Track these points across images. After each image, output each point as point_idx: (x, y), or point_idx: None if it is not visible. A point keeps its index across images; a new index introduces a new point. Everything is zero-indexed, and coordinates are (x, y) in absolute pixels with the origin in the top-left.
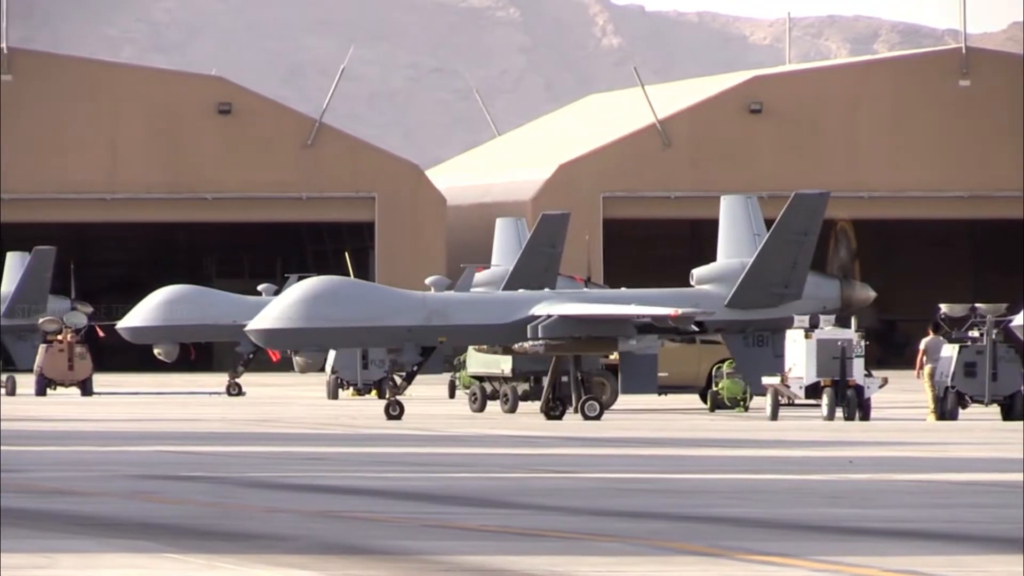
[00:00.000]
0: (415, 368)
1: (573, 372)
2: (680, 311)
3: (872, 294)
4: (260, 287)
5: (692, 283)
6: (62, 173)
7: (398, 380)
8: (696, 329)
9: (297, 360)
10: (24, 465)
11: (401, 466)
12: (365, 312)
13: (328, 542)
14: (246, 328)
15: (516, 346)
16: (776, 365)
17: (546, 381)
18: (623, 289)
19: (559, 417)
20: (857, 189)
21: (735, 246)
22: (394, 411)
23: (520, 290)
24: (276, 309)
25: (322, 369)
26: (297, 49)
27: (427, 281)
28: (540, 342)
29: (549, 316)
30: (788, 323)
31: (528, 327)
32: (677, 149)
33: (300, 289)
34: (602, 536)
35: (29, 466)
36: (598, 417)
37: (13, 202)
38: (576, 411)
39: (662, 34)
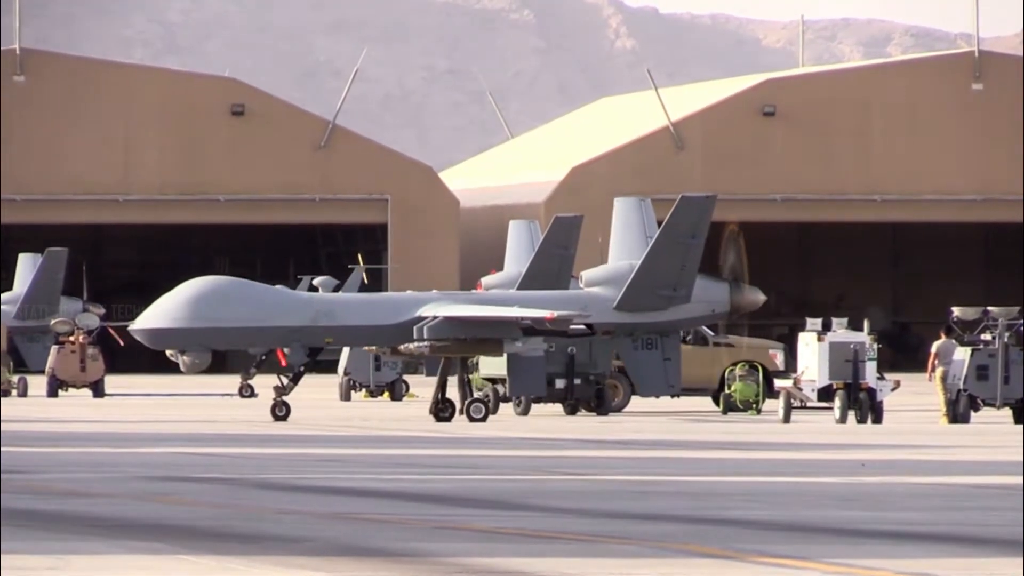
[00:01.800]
0: (302, 369)
1: (460, 374)
2: (556, 314)
3: (761, 297)
4: (317, 280)
5: (581, 285)
6: (75, 174)
7: (284, 381)
8: (587, 331)
9: (183, 360)
10: (36, 466)
11: (413, 468)
12: (251, 312)
13: (340, 544)
14: (130, 327)
15: (402, 347)
16: (665, 368)
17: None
18: (512, 291)
19: (448, 419)
20: (870, 192)
21: (627, 249)
22: (280, 412)
23: (408, 291)
24: (162, 309)
25: (211, 369)
26: (311, 51)
27: (315, 282)
28: (426, 343)
29: (435, 317)
30: (677, 326)
31: (414, 328)
32: (690, 152)
33: (187, 289)
34: (615, 538)
35: (41, 467)
36: (484, 419)
37: (26, 203)
38: (462, 412)
39: (675, 37)
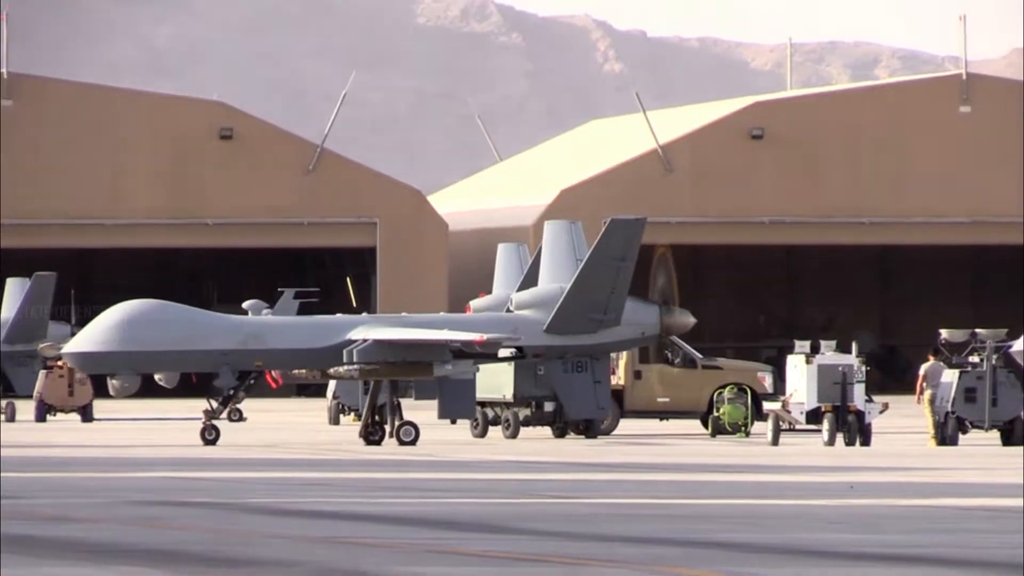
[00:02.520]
0: (231, 392)
1: (389, 397)
2: (486, 337)
3: (691, 320)
4: (246, 304)
5: (511, 308)
6: (63, 198)
7: (214, 404)
8: (517, 354)
9: (112, 384)
10: (24, 491)
11: (403, 492)
12: (180, 336)
13: (329, 568)
14: (63, 351)
15: (331, 370)
16: (595, 390)
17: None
18: (442, 314)
19: (378, 442)
20: (858, 215)
21: (557, 271)
22: (210, 435)
23: (338, 315)
24: (92, 332)
25: (138, 393)
26: (299, 74)
27: (244, 305)
28: (355, 366)
29: (364, 340)
30: (607, 348)
31: (344, 351)
32: (679, 175)
33: (116, 312)
34: (604, 562)
35: (29, 492)
36: (413, 443)
37: (13, 227)
38: (391, 436)
39: (664, 60)
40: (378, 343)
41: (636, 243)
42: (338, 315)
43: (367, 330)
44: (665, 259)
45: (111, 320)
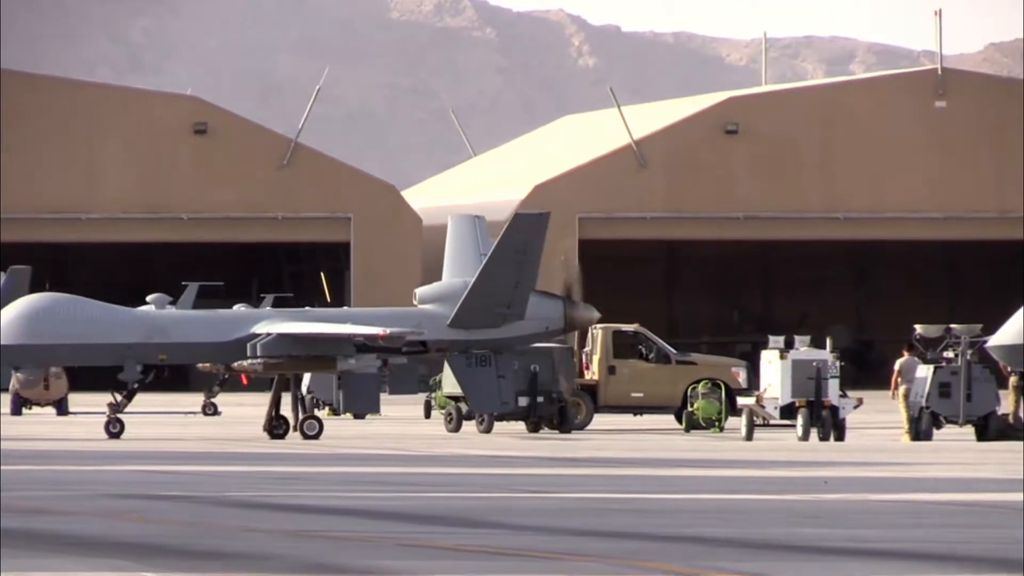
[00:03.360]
0: (135, 386)
1: (293, 391)
2: (388, 331)
3: (596, 315)
4: (150, 297)
5: (415, 302)
6: (38, 193)
7: (118, 398)
8: (421, 348)
9: (17, 377)
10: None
11: (377, 486)
12: (85, 329)
13: (304, 561)
14: None
15: (235, 364)
16: (499, 385)
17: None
18: (346, 308)
19: (282, 436)
20: (833, 210)
21: (461, 266)
22: (114, 428)
23: (240, 307)
24: None
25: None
26: (273, 69)
27: (148, 299)
28: (259, 360)
29: (268, 335)
30: (511, 343)
31: (248, 345)
32: (653, 170)
33: (20, 306)
34: (579, 556)
35: (5, 485)
36: (316, 436)
37: None
38: (295, 429)
39: (638, 55)
40: (281, 337)
41: (540, 237)
42: (241, 308)
43: (271, 324)
44: (568, 258)
45: (15, 313)
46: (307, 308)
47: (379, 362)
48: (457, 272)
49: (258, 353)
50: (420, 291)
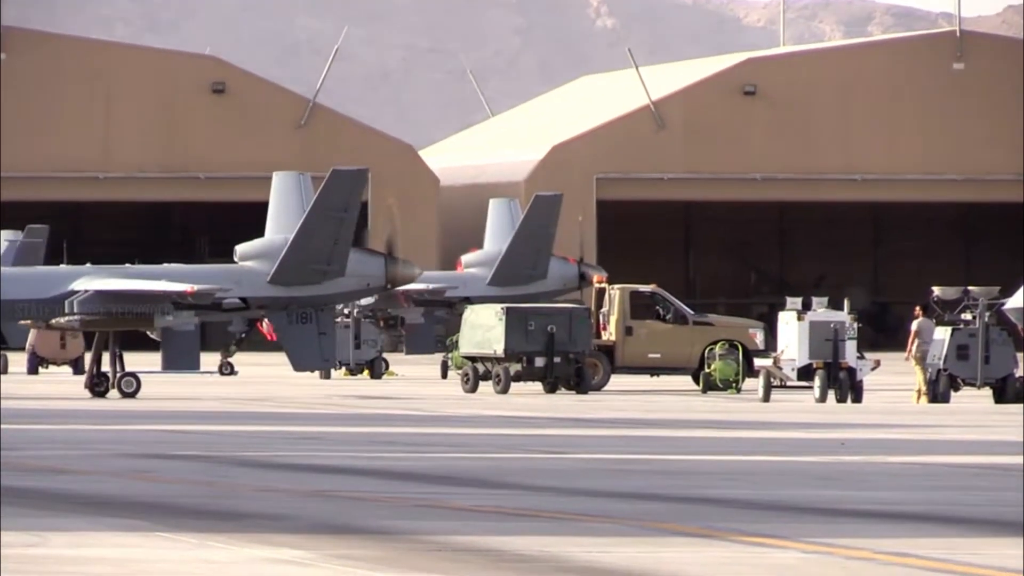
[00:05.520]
0: None
1: (112, 347)
2: (196, 288)
3: (417, 271)
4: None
5: (236, 259)
6: (56, 152)
7: None
8: (241, 305)
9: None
10: (15, 443)
11: (393, 446)
12: None
13: (320, 521)
14: None
15: (53, 321)
16: (320, 342)
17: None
18: (167, 265)
19: (103, 394)
20: (850, 171)
21: (284, 223)
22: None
23: (61, 265)
24: None
25: None
26: (292, 29)
27: None
28: (76, 317)
29: (86, 291)
30: (331, 300)
31: (65, 302)
32: (671, 131)
33: None
34: (595, 517)
35: (20, 444)
36: (134, 395)
37: (6, 180)
38: (114, 387)
39: (656, 15)
40: (99, 294)
41: (358, 195)
42: (62, 266)
43: (89, 281)
44: (390, 211)
45: None
46: (127, 265)
47: (197, 320)
48: (280, 229)
49: (75, 310)
50: (240, 248)
